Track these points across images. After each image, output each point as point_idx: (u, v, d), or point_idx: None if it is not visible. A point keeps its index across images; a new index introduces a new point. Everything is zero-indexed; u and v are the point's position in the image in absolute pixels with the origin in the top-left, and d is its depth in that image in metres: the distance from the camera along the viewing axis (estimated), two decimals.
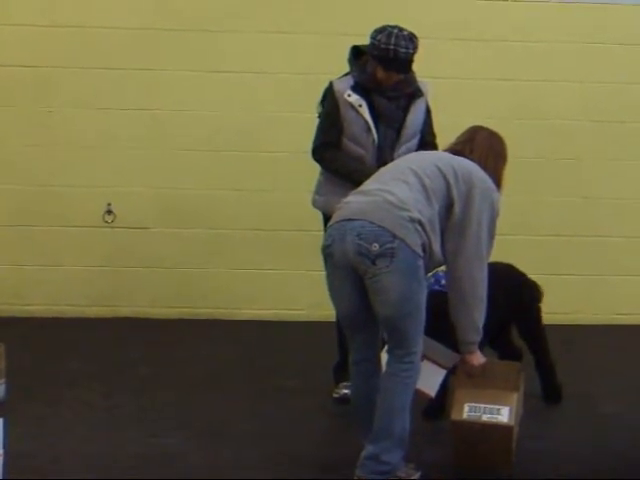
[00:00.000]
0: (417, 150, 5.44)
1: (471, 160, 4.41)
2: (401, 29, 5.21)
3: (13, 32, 7.11)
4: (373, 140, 5.30)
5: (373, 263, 4.12)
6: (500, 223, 7.19)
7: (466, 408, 4.49)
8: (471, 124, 7.02)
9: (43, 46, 7.12)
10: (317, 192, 5.60)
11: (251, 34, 7.16)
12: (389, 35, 5.16)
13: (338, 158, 5.39)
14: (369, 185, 4.36)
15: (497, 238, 7.34)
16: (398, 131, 5.36)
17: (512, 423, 4.45)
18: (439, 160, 4.35)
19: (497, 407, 4.47)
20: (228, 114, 7.24)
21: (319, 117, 5.53)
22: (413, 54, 5.22)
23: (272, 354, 6.47)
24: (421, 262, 4.17)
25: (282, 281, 7.32)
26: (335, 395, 5.57)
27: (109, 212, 7.26)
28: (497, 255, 7.28)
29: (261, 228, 7.29)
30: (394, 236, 4.10)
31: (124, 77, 7.17)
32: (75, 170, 7.23)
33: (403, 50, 5.15)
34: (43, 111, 7.18)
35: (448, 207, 4.24)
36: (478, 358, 4.44)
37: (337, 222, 4.26)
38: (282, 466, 4.62)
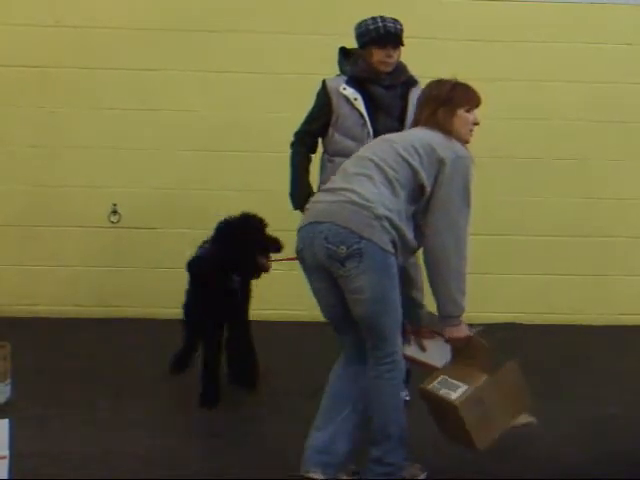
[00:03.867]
0: None
1: (429, 129, 4.34)
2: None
3: (16, 32, 7.13)
4: (368, 133, 5.31)
5: (342, 265, 4.11)
6: (502, 223, 7.29)
7: (438, 379, 4.39)
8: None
9: (46, 46, 7.15)
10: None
11: (255, 34, 7.19)
12: (373, 18, 5.33)
13: (299, 160, 5.56)
14: (335, 182, 4.33)
15: (499, 238, 7.46)
16: (400, 121, 5.39)
17: (457, 401, 4.25)
18: (400, 145, 4.27)
19: (458, 384, 4.33)
20: (233, 114, 7.26)
21: None
22: (402, 30, 5.33)
23: (273, 355, 6.48)
24: (392, 259, 4.14)
25: (284, 281, 7.32)
26: None
27: (114, 212, 7.29)
28: (499, 254, 7.37)
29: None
30: (361, 237, 4.08)
31: (128, 77, 7.19)
32: (80, 170, 7.26)
33: (391, 25, 5.30)
34: (47, 111, 7.21)
35: (418, 191, 4.20)
36: (461, 331, 4.34)
37: (306, 225, 4.26)
38: (284, 467, 4.63)
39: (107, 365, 6.16)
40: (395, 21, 5.34)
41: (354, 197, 4.15)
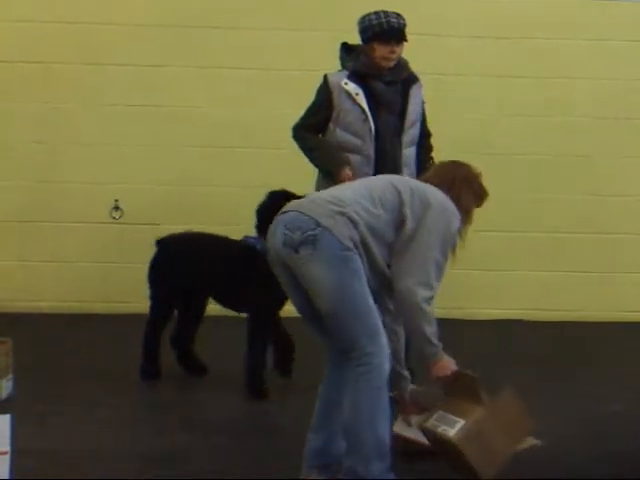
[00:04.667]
0: (420, 140, 5.49)
1: (436, 187, 4.25)
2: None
3: (18, 28, 7.13)
4: (370, 129, 5.29)
5: (296, 251, 3.97)
6: (508, 220, 7.27)
7: (435, 415, 4.30)
8: (479, 120, 7.09)
9: (48, 42, 7.15)
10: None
11: (257, 31, 7.18)
12: (376, 13, 5.32)
13: (315, 139, 5.44)
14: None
15: (506, 235, 7.41)
16: (401, 118, 5.37)
17: (455, 438, 4.16)
18: (398, 180, 4.26)
19: (456, 419, 4.22)
20: (236, 111, 7.25)
21: None
22: (405, 25, 5.31)
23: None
24: (352, 255, 3.96)
25: None
26: None
27: (116, 208, 7.28)
28: (505, 251, 7.35)
29: None
30: (317, 224, 3.95)
31: (131, 73, 7.19)
32: (82, 166, 7.25)
33: (395, 20, 5.28)
34: (49, 107, 7.20)
35: (399, 224, 4.08)
36: (445, 368, 4.18)
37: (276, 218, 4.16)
38: (286, 463, 4.62)
39: (109, 361, 6.15)
40: (398, 16, 5.33)
41: (328, 197, 4.10)
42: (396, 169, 5.35)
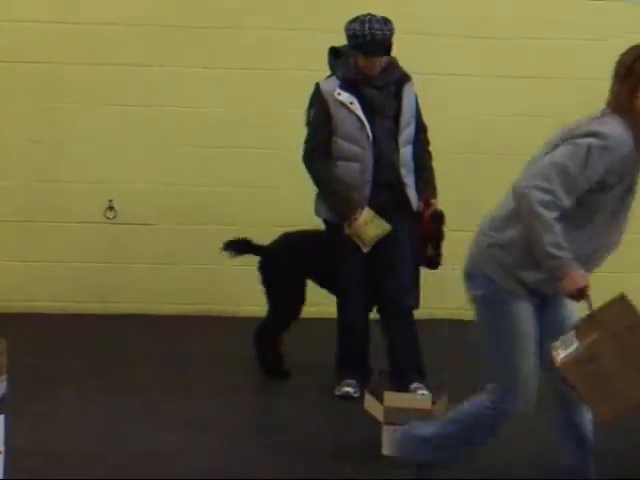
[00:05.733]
0: (415, 136, 5.47)
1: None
2: (373, 15, 5.30)
3: (17, 28, 7.10)
4: (367, 136, 5.29)
5: None
6: None
7: (566, 335, 3.83)
8: (479, 121, 7.07)
9: (47, 42, 7.12)
10: (317, 200, 5.61)
11: (255, 30, 7.15)
12: (362, 22, 5.26)
13: (327, 173, 5.42)
14: None
15: None
16: (395, 120, 5.37)
17: (562, 362, 3.69)
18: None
19: (573, 341, 3.75)
20: (231, 110, 7.23)
21: (308, 123, 5.56)
22: (390, 35, 5.28)
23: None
24: None
25: None
26: (337, 393, 5.57)
27: (110, 208, 7.26)
28: None
29: (263, 224, 7.28)
30: None
31: (127, 73, 7.16)
32: (77, 166, 7.23)
33: (379, 32, 5.23)
34: (46, 107, 7.18)
35: None
36: (574, 279, 3.79)
37: None
38: (283, 462, 4.62)
39: (104, 361, 6.14)
40: (385, 24, 5.26)
41: None
42: (393, 171, 5.37)
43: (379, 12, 5.49)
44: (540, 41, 7.25)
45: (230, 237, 7.22)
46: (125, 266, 7.32)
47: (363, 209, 5.32)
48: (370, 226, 5.32)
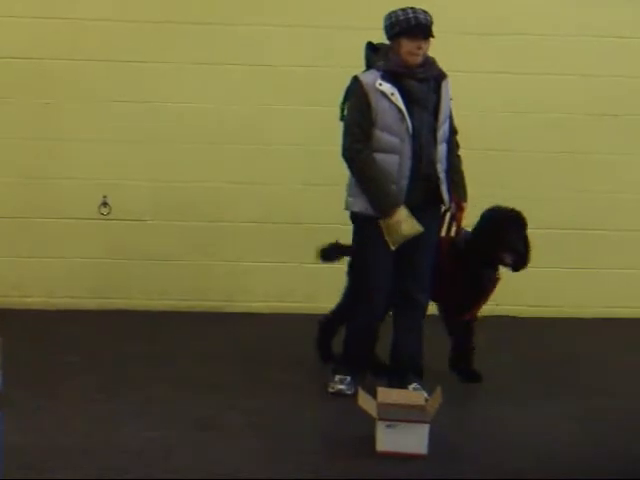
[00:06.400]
0: (449, 135, 5.48)
1: None
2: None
3: (10, 24, 7.07)
4: (407, 128, 5.26)
5: None
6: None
7: None
8: (469, 117, 7.07)
9: (40, 38, 7.09)
10: (350, 194, 5.49)
11: (251, 26, 7.13)
12: (403, 9, 5.32)
13: (371, 167, 5.31)
14: None
15: None
16: (434, 114, 5.35)
17: None
18: None
19: None
20: (224, 106, 7.22)
21: (343, 117, 5.44)
22: (431, 22, 5.33)
23: (267, 347, 6.48)
24: None
25: (277, 273, 7.33)
26: (330, 390, 5.58)
27: (105, 204, 7.26)
28: None
29: (257, 221, 7.30)
30: None
31: (121, 69, 7.14)
32: (71, 162, 7.22)
33: (422, 17, 5.30)
34: (40, 103, 7.16)
35: None
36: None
37: None
38: (276, 460, 4.63)
39: (99, 357, 6.14)
40: (425, 12, 5.32)
41: None
42: (431, 164, 5.35)
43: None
44: (533, 37, 7.25)
45: (224, 233, 7.27)
46: (119, 262, 7.32)
47: (400, 206, 5.29)
48: (404, 225, 5.27)
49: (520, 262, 5.72)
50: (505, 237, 5.62)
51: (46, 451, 4.62)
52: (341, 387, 5.52)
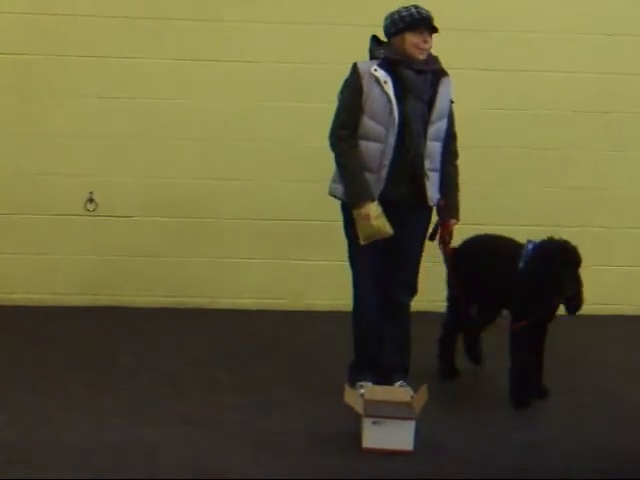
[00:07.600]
0: (446, 138, 5.44)
1: None
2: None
3: None
4: (394, 119, 5.24)
5: None
6: (482, 213, 7.26)
7: None
8: (457, 113, 7.05)
9: (24, 34, 7.07)
10: (333, 179, 5.47)
11: (238, 23, 7.12)
12: (405, 7, 5.35)
13: (350, 156, 5.29)
14: None
15: (486, 229, 7.36)
16: (429, 106, 5.33)
17: None
18: None
19: None
20: (212, 103, 7.21)
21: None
22: (432, 18, 5.34)
23: (253, 343, 6.47)
24: None
25: (263, 270, 7.32)
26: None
27: (91, 200, 7.24)
28: None
29: (243, 217, 7.28)
30: None
31: (107, 65, 7.13)
32: (57, 159, 7.20)
33: (424, 11, 5.34)
34: (25, 99, 7.14)
35: None
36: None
37: None
38: (262, 456, 4.63)
39: (84, 353, 6.13)
40: (426, 10, 5.36)
41: None
42: (419, 157, 5.29)
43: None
44: (520, 34, 7.26)
45: (211, 230, 7.26)
46: (105, 258, 7.30)
47: (373, 202, 5.25)
48: (373, 222, 5.20)
49: (573, 306, 5.43)
50: (557, 281, 5.29)
51: (31, 447, 4.61)
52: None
